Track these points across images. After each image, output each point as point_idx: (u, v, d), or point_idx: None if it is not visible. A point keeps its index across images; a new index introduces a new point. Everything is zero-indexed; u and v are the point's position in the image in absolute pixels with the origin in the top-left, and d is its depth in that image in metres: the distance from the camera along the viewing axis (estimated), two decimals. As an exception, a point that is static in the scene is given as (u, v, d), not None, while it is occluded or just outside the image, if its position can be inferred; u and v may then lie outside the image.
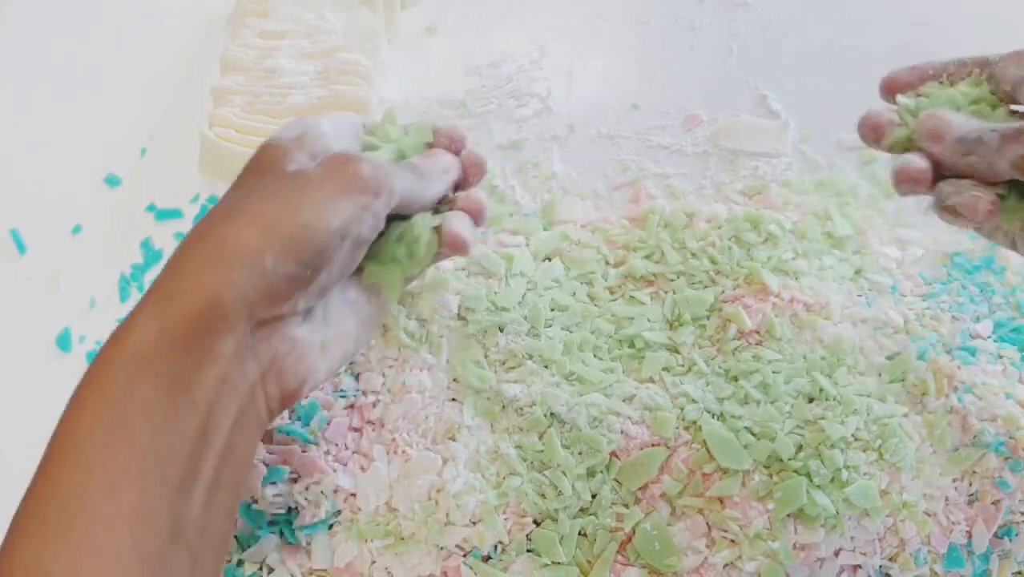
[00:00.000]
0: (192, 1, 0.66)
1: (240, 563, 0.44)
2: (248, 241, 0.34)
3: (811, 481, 0.42)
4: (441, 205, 0.42)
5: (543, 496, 0.43)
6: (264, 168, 0.38)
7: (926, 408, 0.46)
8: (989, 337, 0.49)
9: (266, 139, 0.39)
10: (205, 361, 0.33)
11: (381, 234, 0.39)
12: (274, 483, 0.44)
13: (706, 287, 0.50)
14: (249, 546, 0.44)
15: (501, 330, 0.48)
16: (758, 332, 0.48)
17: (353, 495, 0.44)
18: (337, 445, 0.46)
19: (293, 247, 0.34)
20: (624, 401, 0.45)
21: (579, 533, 0.43)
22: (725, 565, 0.42)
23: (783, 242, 0.51)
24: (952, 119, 0.39)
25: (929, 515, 0.43)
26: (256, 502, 0.44)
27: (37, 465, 0.32)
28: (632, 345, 0.48)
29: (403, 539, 0.43)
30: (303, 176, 0.36)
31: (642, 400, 0.45)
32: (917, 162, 0.39)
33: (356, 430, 0.46)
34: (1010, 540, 0.44)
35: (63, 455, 0.31)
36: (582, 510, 0.44)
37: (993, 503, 0.44)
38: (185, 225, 0.57)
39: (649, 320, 0.49)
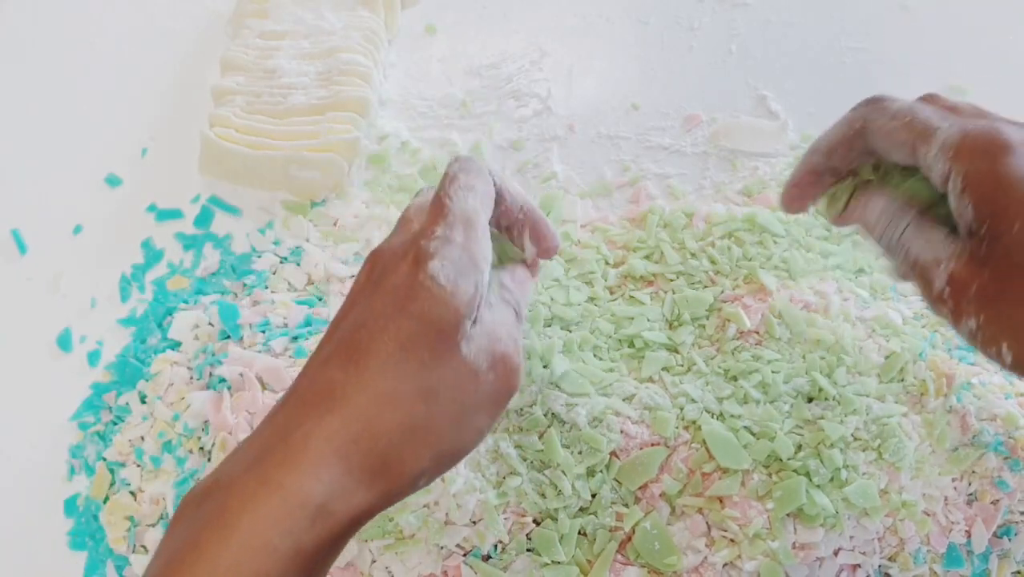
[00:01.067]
0: (192, 1, 0.66)
1: None
2: (418, 469, 0.31)
3: (810, 481, 0.42)
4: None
5: (543, 495, 0.43)
6: (443, 337, 0.31)
7: (925, 408, 0.46)
8: (988, 337, 0.49)
9: (448, 292, 0.31)
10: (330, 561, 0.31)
11: None
12: None
13: (705, 287, 0.50)
14: None
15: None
16: (757, 332, 0.48)
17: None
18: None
19: (446, 466, 0.33)
20: (624, 401, 0.45)
21: (579, 532, 0.43)
22: (724, 564, 0.42)
23: (782, 242, 0.51)
24: (896, 113, 0.36)
25: (928, 515, 0.43)
26: None
27: None
28: (632, 345, 0.48)
29: (403, 539, 0.43)
30: (476, 384, 0.32)
31: (642, 400, 0.45)
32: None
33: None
34: (1009, 540, 0.44)
35: None
36: (582, 509, 0.44)
37: (992, 503, 0.44)
38: (186, 225, 0.57)
39: (649, 320, 0.49)
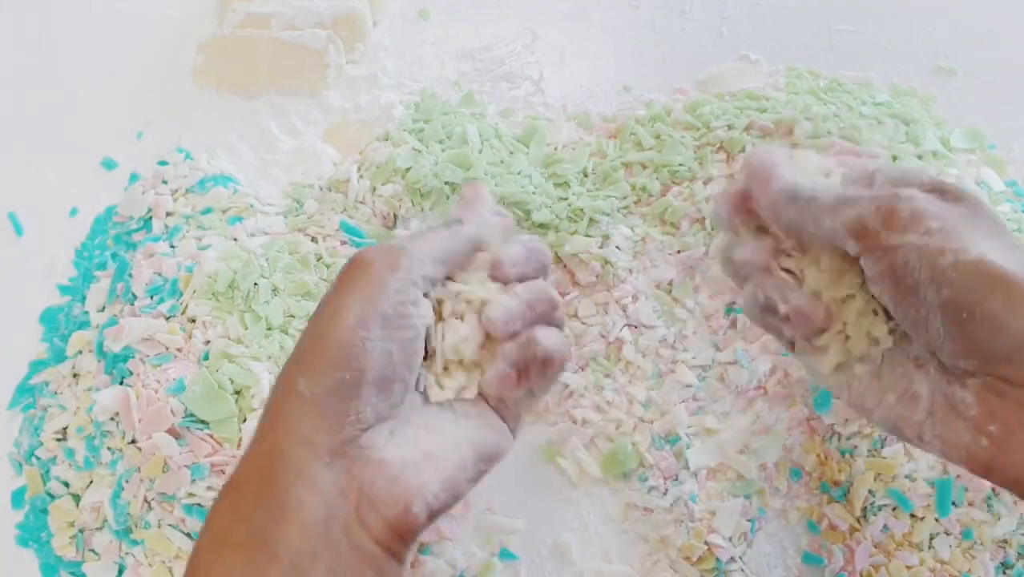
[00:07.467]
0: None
1: None
2: (283, 380, 0.32)
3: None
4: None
5: None
6: None
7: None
8: None
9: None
10: (279, 513, 0.30)
11: None
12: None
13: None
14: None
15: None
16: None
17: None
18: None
19: (314, 361, 0.31)
20: None
21: None
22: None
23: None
24: (782, 162, 0.35)
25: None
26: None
27: None
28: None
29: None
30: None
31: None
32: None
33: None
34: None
35: None
36: None
37: None
38: (181, 207, 0.57)
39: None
